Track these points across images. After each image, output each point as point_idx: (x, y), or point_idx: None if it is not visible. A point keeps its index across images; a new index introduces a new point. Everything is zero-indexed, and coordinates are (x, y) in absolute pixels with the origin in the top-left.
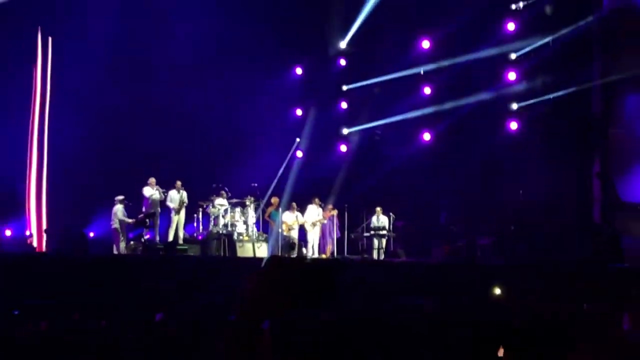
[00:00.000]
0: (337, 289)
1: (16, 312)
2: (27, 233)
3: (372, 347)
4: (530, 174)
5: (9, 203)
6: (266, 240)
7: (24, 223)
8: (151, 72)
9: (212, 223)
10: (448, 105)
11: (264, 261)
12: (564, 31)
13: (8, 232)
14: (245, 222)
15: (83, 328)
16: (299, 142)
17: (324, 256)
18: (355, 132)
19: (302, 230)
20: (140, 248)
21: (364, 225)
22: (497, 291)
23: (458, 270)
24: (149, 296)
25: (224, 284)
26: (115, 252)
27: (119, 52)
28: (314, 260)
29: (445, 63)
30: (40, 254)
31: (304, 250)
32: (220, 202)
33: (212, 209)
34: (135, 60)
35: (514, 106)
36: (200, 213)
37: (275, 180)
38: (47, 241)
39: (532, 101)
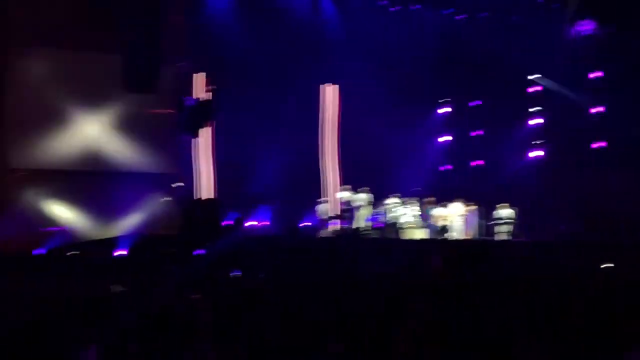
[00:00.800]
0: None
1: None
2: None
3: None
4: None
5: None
6: (424, 227)
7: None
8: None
9: (387, 215)
10: None
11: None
12: None
13: (250, 223)
14: (410, 215)
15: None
16: (446, 160)
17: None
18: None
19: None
20: (339, 233)
21: (493, 216)
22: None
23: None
24: (346, 261)
25: (394, 256)
26: (322, 235)
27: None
28: (459, 240)
29: None
30: (273, 237)
31: (452, 234)
32: (394, 201)
33: (388, 206)
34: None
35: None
36: (380, 208)
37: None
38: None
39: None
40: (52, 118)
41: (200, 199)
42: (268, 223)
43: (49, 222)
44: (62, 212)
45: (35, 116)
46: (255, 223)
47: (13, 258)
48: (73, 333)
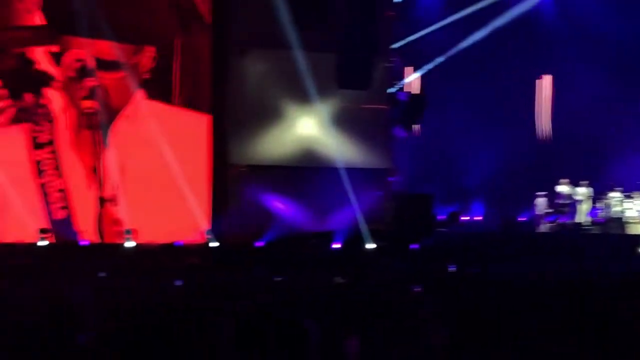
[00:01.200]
0: None
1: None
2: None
3: None
4: None
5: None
6: None
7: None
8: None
9: (609, 210)
10: None
11: None
12: None
13: (464, 218)
14: (634, 209)
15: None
16: None
17: None
18: None
19: None
20: (556, 227)
21: None
22: None
23: None
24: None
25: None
26: (539, 230)
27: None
28: None
29: None
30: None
31: None
32: (615, 195)
33: (609, 200)
34: None
35: None
36: (600, 202)
37: None
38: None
39: None
40: (269, 115)
41: (413, 193)
42: (481, 218)
43: (267, 215)
44: (279, 206)
45: (253, 114)
46: (468, 218)
47: (236, 250)
48: (293, 321)
